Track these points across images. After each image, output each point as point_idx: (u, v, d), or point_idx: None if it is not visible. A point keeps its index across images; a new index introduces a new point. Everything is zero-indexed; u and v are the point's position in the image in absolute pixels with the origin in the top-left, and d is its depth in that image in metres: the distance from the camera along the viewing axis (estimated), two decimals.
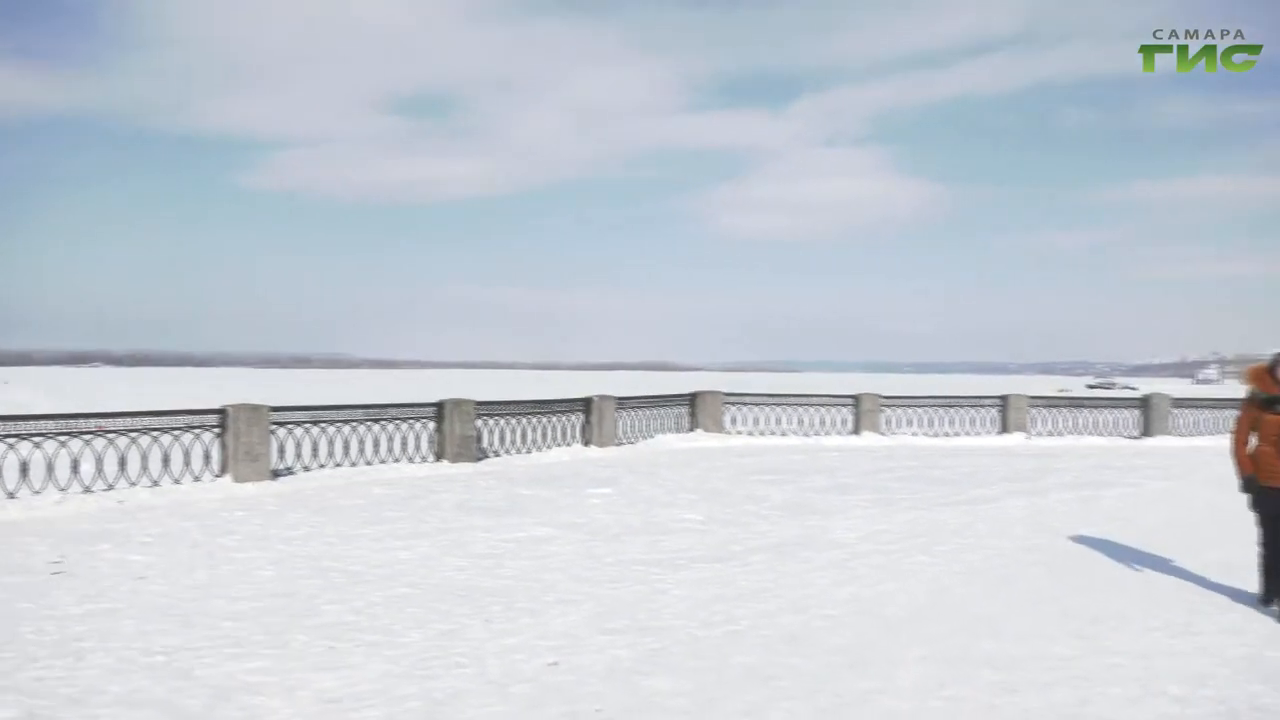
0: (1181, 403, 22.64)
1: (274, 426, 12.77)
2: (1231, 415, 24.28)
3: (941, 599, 6.76)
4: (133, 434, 11.50)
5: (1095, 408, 22.75)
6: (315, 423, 13.45)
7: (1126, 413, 22.21)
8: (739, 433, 21.14)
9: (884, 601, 6.67)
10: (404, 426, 14.61)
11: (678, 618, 6.19)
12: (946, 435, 21.41)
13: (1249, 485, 6.34)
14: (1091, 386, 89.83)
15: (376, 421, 14.24)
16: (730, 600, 6.65)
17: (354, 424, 13.90)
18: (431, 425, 14.93)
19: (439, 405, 15.12)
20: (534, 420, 16.87)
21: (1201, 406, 22.43)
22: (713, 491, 12.30)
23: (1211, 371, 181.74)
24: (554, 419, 17.33)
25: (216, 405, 12.62)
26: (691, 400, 21.23)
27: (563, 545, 8.57)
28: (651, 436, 19.36)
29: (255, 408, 12.62)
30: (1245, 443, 6.40)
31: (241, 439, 12.20)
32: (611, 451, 17.48)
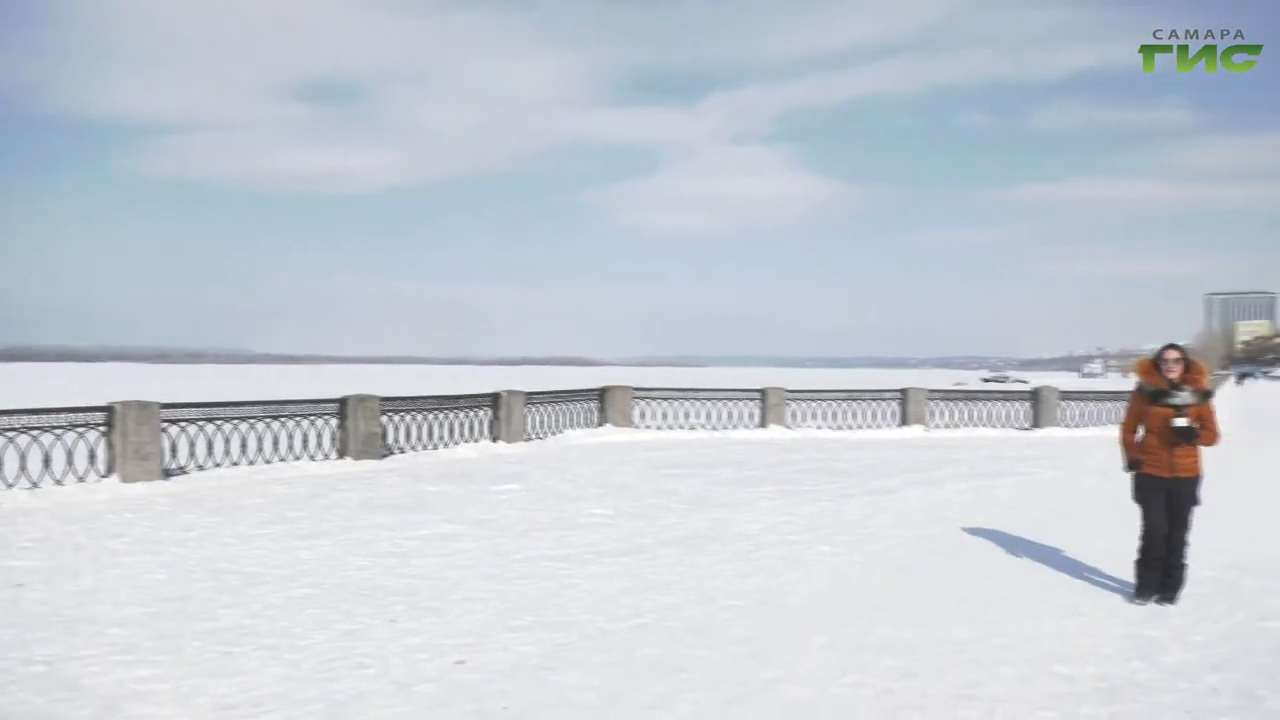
0: (1069, 395, 23.74)
1: (165, 424, 12.25)
2: (1114, 407, 25.62)
3: (843, 588, 6.95)
4: (9, 433, 10.88)
5: (989, 400, 23.66)
6: (210, 420, 12.97)
7: (1018, 405, 23.17)
8: (648, 427, 21.26)
9: (787, 592, 6.81)
10: (305, 423, 14.22)
11: (585, 612, 6.20)
12: (849, 428, 21.96)
13: (1133, 465, 6.50)
14: (986, 380, 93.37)
15: (276, 418, 13.82)
16: (638, 593, 6.69)
17: (252, 421, 13.45)
18: (334, 422, 14.58)
19: (342, 401, 14.77)
20: (441, 416, 16.63)
21: (1087, 399, 23.56)
22: (621, 486, 12.35)
23: (1096, 365, 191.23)
24: (461, 415, 17.13)
25: (102, 402, 12.04)
26: (601, 395, 21.26)
27: (469, 542, 8.49)
28: (561, 431, 19.32)
29: (145, 405, 12.10)
30: (1133, 431, 6.55)
31: (130, 438, 11.67)
32: (520, 447, 17.37)
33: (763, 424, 21.71)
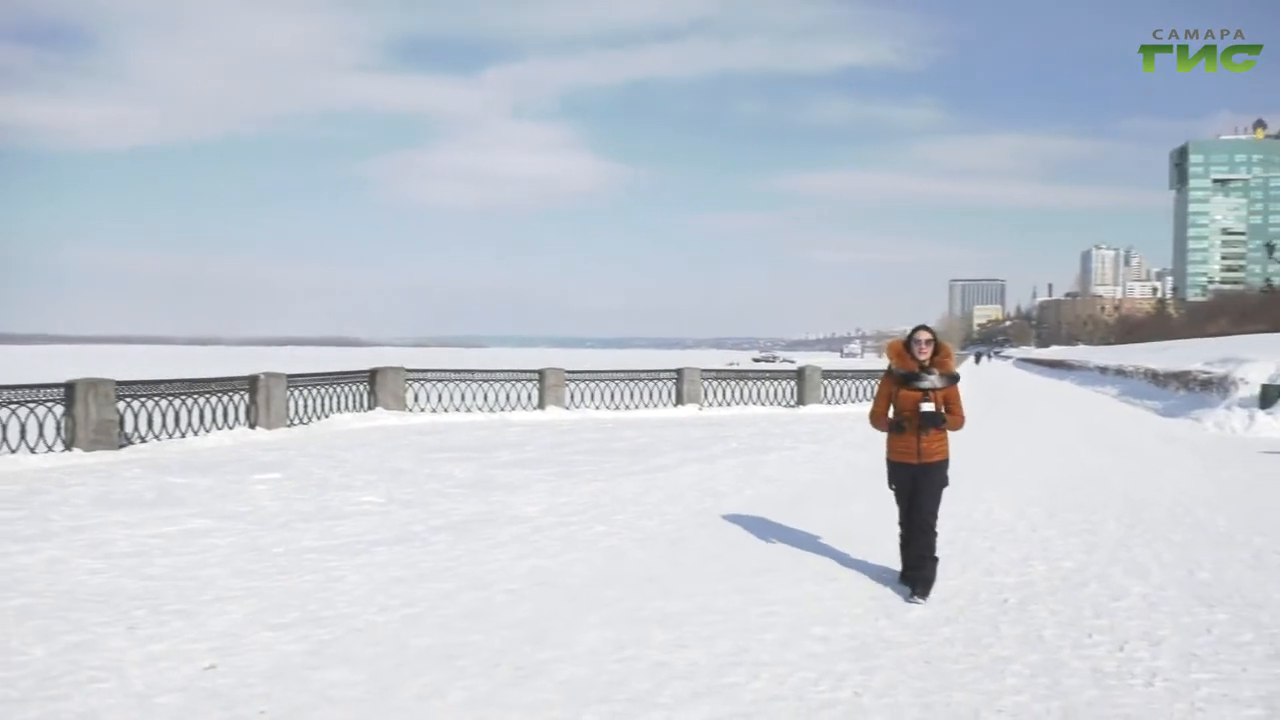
0: (830, 374, 25.57)
1: None
2: (870, 385, 27.72)
3: (619, 565, 7.13)
4: None
5: (759, 379, 25.04)
6: None
7: (785, 384, 24.68)
8: (422, 410, 20.86)
9: (564, 572, 6.90)
10: (24, 411, 12.79)
11: (353, 605, 5.99)
12: (627, 408, 22.54)
13: (898, 426, 6.38)
14: (756, 360, 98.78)
15: None
16: (410, 582, 6.55)
17: None
18: (60, 409, 13.18)
19: (69, 386, 13.39)
20: (189, 401, 15.48)
21: (846, 377, 25.48)
22: (394, 471, 12.04)
23: (855, 346, 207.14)
24: (213, 399, 16.03)
25: None
26: (371, 377, 20.61)
27: (223, 537, 7.97)
28: (327, 416, 18.57)
29: None
30: (885, 414, 6.51)
31: None
32: (281, 433, 16.51)
33: (541, 405, 21.83)
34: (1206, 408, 20.42)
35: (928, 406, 6.26)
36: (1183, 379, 25.67)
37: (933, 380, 6.27)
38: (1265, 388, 19.20)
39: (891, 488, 6.51)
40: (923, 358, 6.29)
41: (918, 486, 6.35)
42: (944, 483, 6.43)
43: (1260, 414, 18.20)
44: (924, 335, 6.35)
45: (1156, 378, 29.48)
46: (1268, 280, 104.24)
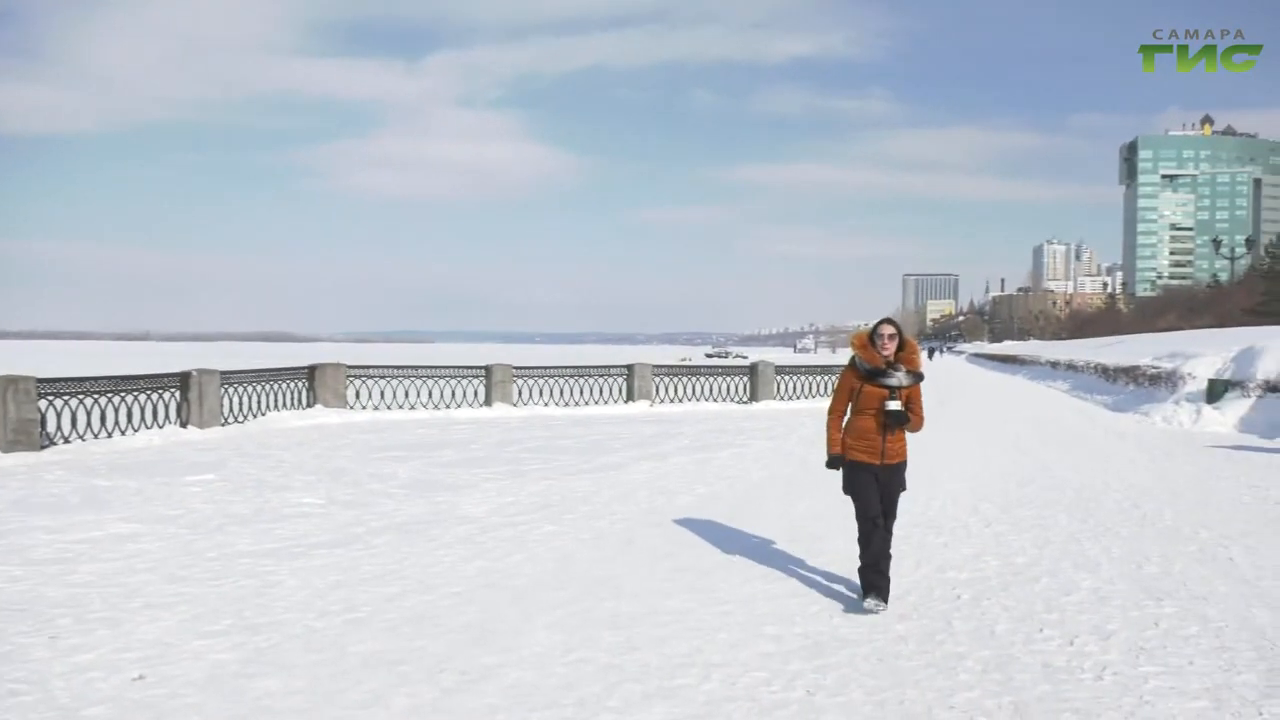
0: (783, 370, 25.79)
1: None
2: (825, 380, 27.87)
3: (568, 566, 7.12)
4: None
5: (711, 375, 25.16)
6: None
7: (737, 379, 24.84)
8: (364, 407, 20.63)
9: (512, 574, 6.87)
10: None
11: (291, 610, 5.91)
12: (577, 404, 22.51)
13: (834, 463, 6.20)
14: (709, 355, 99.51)
15: None
16: (352, 586, 6.48)
17: None
18: None
19: None
20: (116, 399, 15.10)
21: (800, 373, 25.72)
22: (334, 471, 11.88)
23: (809, 341, 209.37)
24: (142, 397, 15.67)
25: None
26: (310, 373, 20.33)
27: (153, 542, 7.80)
28: (264, 414, 18.27)
29: None
30: (842, 414, 6.18)
31: None
32: (216, 432, 16.21)
33: (488, 402, 21.72)
34: (1155, 402, 20.98)
35: (894, 405, 5.97)
36: (1132, 374, 26.35)
37: (900, 377, 6.00)
38: (1212, 382, 19.78)
39: (848, 492, 6.19)
40: (886, 353, 6.01)
41: (880, 489, 6.09)
42: (903, 486, 6.24)
43: (1207, 408, 18.75)
44: (887, 329, 6.06)
45: (1106, 373, 30.22)
46: (1214, 276, 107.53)
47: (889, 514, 6.17)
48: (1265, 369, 18.66)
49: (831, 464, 6.22)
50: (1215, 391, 19.35)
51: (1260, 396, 18.18)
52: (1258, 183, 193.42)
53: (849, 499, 6.24)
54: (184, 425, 16.15)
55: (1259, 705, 4.45)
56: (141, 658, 5.03)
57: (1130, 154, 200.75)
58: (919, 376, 6.13)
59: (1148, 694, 4.60)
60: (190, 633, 5.46)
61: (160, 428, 15.69)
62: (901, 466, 6.20)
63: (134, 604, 6.02)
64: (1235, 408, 18.30)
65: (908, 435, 6.22)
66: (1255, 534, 8.23)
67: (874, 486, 6.09)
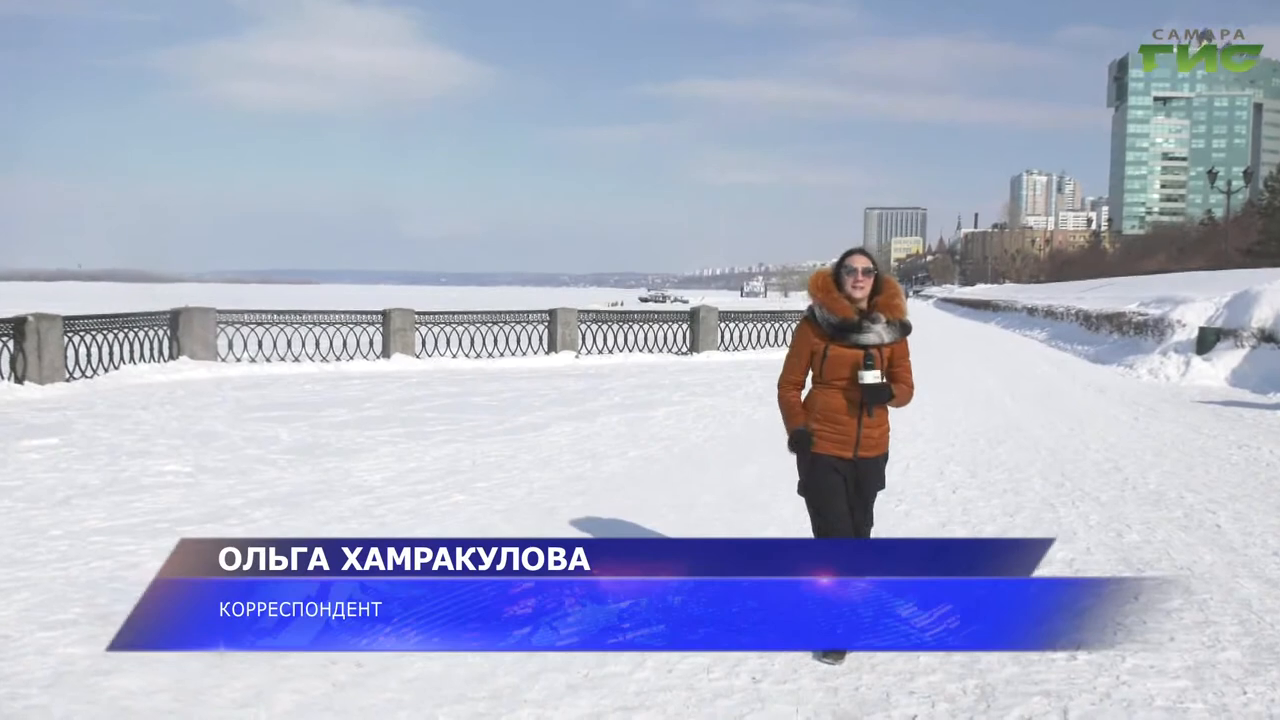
0: (728, 316, 25.97)
1: None
2: (776, 328, 28.22)
3: None
4: None
5: (646, 322, 25.24)
6: None
7: (676, 327, 24.98)
8: (239, 360, 20.34)
9: None
10: None
11: None
12: (490, 356, 22.44)
13: (800, 440, 5.00)
14: (644, 299, 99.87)
15: None
16: None
17: None
18: None
19: None
20: None
21: (747, 320, 25.95)
22: (204, 435, 11.72)
23: (757, 284, 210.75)
24: None
25: None
26: (173, 319, 19.93)
27: None
28: (117, 368, 17.92)
29: None
30: (800, 384, 5.11)
31: None
32: (59, 389, 15.84)
33: (386, 353, 21.54)
34: (1140, 353, 21.69)
35: (871, 377, 4.85)
36: (1116, 321, 27.18)
37: (878, 332, 4.90)
38: (1203, 330, 20.49)
39: (807, 493, 5.07)
40: (859, 295, 4.92)
41: (853, 490, 5.04)
42: (882, 484, 5.21)
43: (1196, 360, 19.45)
44: (860, 262, 4.94)
45: (1089, 320, 31.11)
46: (1209, 212, 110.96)
47: (862, 525, 5.13)
48: (1260, 316, 19.38)
49: (795, 443, 5.02)
50: (1206, 341, 20.05)
51: (1254, 347, 18.90)
52: (1258, 107, 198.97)
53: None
54: (19, 381, 15.73)
55: (1243, 684, 4.69)
56: None
57: (1120, 72, 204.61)
58: (905, 327, 5.03)
59: (1125, 674, 4.80)
60: (32, 623, 5.36)
61: None
62: (882, 460, 5.14)
63: None
64: (1227, 359, 19.01)
65: (891, 413, 5.13)
66: (1244, 498, 8.61)
67: (843, 493, 5.00)
